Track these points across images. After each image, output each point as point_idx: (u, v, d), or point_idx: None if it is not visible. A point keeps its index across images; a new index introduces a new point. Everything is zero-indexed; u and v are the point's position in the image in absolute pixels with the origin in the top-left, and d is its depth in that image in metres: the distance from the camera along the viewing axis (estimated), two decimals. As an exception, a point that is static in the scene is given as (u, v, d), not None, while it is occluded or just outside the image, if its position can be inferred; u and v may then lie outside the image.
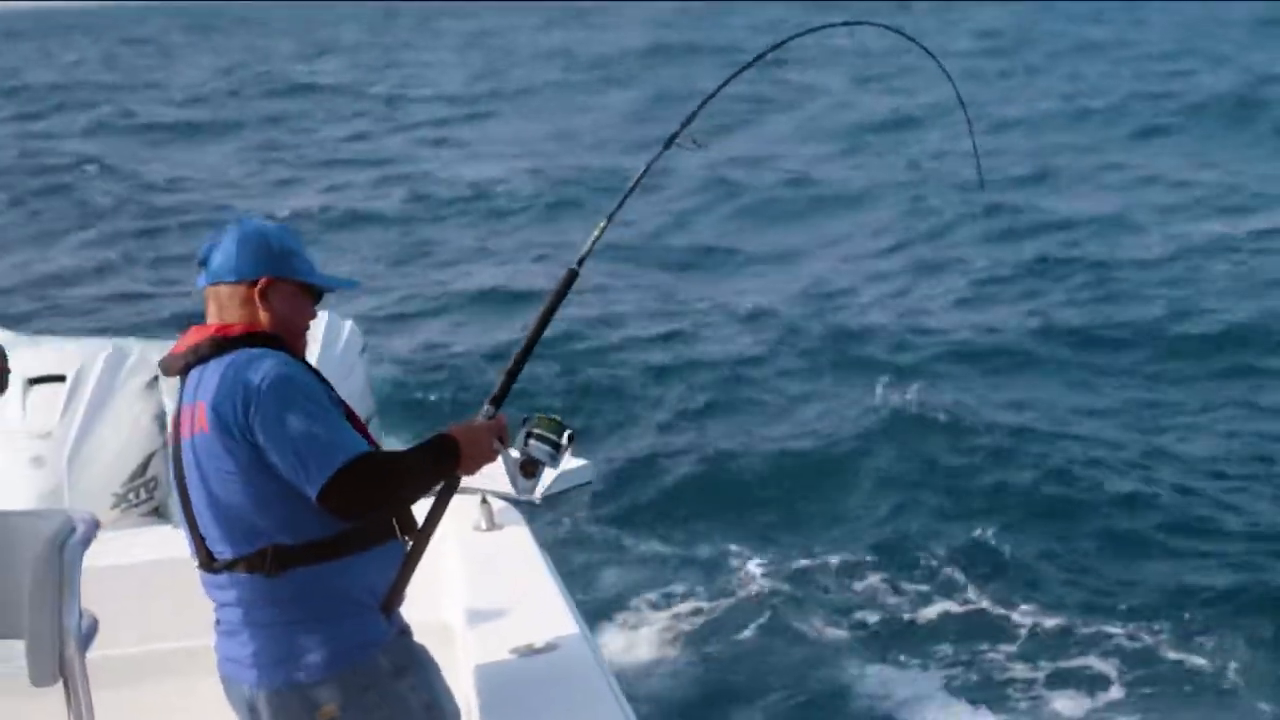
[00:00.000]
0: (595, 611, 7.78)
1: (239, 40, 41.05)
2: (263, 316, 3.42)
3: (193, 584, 3.45)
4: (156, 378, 6.03)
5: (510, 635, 4.08)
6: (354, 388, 5.96)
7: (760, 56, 4.41)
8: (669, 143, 4.03)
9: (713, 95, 4.17)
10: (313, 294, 3.52)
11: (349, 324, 6.28)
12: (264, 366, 3.26)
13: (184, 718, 4.13)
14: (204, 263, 3.46)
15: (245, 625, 3.33)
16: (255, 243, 3.43)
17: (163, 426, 6.03)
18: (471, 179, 22.27)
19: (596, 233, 3.85)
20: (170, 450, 3.45)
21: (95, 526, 3.32)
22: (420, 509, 3.53)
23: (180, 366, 3.42)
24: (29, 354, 5.98)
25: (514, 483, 3.62)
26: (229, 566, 3.32)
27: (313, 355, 5.94)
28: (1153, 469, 9.88)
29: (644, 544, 9.07)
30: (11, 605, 3.18)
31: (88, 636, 3.22)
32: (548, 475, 4.83)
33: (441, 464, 3.43)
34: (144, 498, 5.88)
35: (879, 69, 30.06)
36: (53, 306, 15.15)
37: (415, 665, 3.41)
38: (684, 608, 8.24)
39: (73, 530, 3.23)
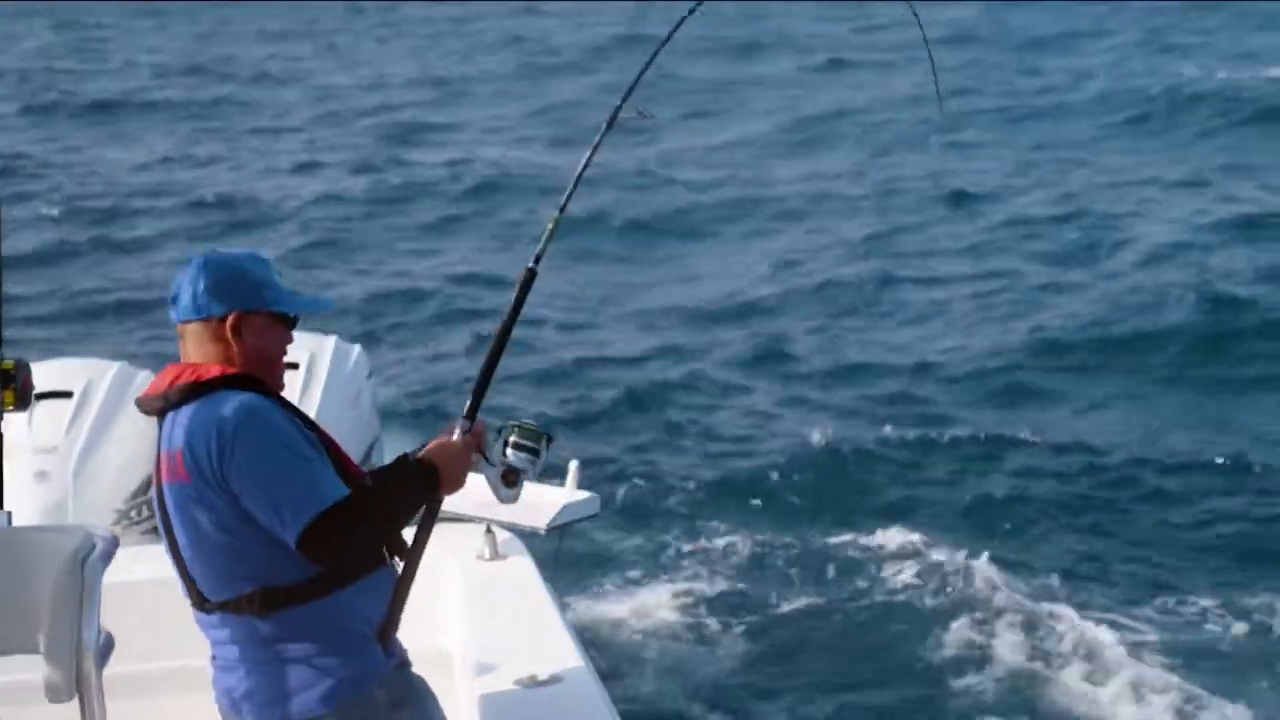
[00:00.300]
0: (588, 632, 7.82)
1: (189, 27, 40.73)
2: (236, 352, 3.40)
3: (189, 606, 3.47)
4: (161, 396, 6.09)
5: (512, 666, 4.11)
6: (361, 412, 6.01)
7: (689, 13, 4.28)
8: (611, 121, 3.94)
9: (650, 62, 4.05)
10: (286, 321, 3.50)
11: (357, 349, 6.33)
12: (236, 414, 3.25)
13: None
14: (174, 300, 3.44)
15: (241, 662, 3.34)
16: (222, 277, 3.40)
17: (166, 445, 6.09)
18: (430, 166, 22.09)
19: (550, 226, 3.79)
20: (154, 491, 3.46)
21: (115, 544, 3.36)
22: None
23: (156, 408, 3.41)
24: (36, 370, 6.01)
25: (496, 492, 3.64)
26: (220, 607, 3.33)
27: (320, 381, 6.04)
28: (1140, 461, 10.06)
29: (636, 562, 9.08)
30: (30, 620, 3.21)
31: (104, 652, 3.25)
32: (552, 499, 4.91)
33: (421, 491, 3.44)
34: (146, 515, 5.90)
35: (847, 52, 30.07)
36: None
37: (413, 698, 3.41)
38: (679, 623, 8.26)
39: (93, 547, 3.27)
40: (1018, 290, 14.48)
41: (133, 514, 5.86)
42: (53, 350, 7.91)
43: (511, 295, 3.77)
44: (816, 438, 10.66)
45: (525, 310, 3.77)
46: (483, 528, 4.98)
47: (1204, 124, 21.24)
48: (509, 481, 3.62)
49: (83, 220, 19.18)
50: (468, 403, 3.64)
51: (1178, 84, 23.54)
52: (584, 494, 5.03)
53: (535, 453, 3.61)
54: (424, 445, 3.55)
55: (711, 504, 9.72)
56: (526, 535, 5.08)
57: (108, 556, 3.29)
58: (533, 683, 4.00)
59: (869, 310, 14.15)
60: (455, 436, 3.54)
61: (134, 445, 5.96)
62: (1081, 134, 21.60)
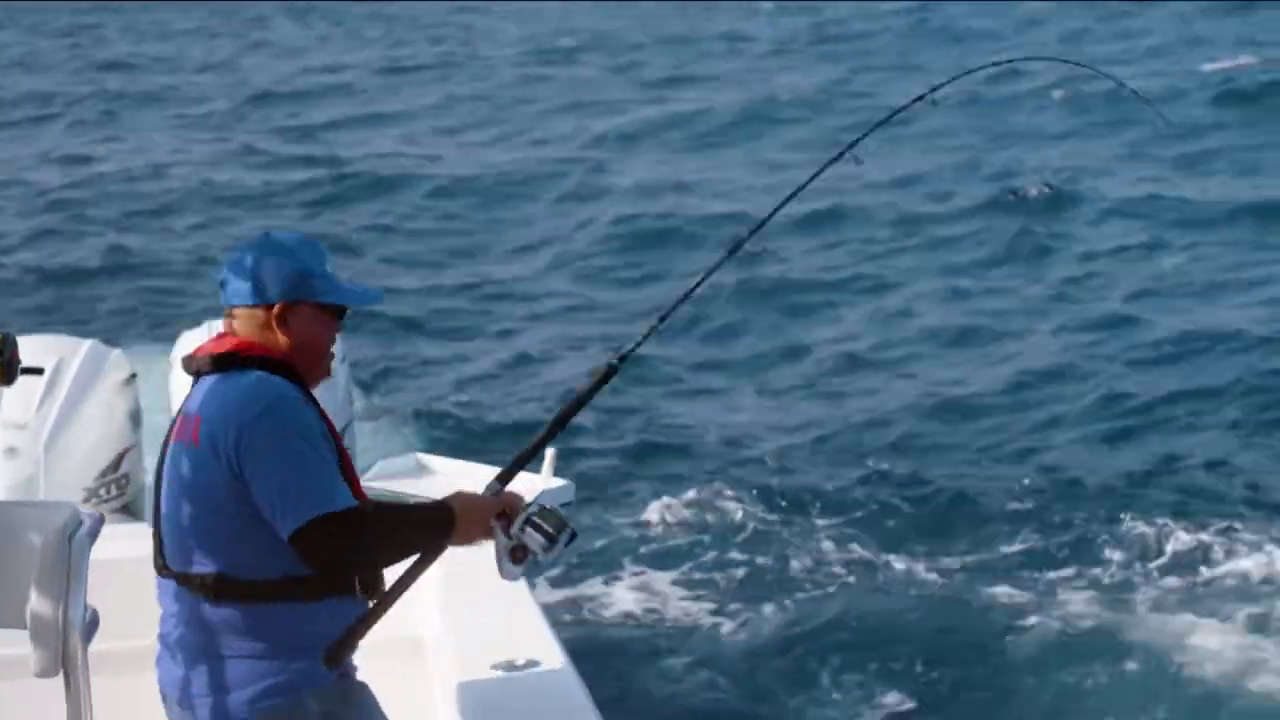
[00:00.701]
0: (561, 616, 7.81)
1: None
2: (280, 340, 3.39)
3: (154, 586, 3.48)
4: (134, 376, 6.08)
5: (487, 652, 4.13)
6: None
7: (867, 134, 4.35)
8: (734, 250, 3.99)
9: (794, 195, 4.15)
10: (334, 312, 3.47)
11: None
12: (264, 397, 3.26)
13: (154, 716, 4.16)
14: (223, 284, 3.44)
15: (180, 646, 3.35)
16: (272, 265, 3.39)
17: (137, 425, 6.08)
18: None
19: (645, 332, 3.77)
20: (161, 447, 3.47)
21: (101, 521, 3.37)
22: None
23: (194, 369, 3.43)
24: (7, 346, 6.02)
25: (500, 564, 3.56)
26: (174, 576, 3.34)
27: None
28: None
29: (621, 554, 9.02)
30: (16, 595, 3.21)
31: (90, 630, 3.27)
32: (527, 485, 4.91)
33: (432, 533, 3.41)
34: (115, 494, 5.92)
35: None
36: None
37: (345, 710, 3.36)
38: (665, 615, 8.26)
39: (80, 523, 3.28)
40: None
41: (102, 492, 5.87)
42: (22, 327, 7.84)
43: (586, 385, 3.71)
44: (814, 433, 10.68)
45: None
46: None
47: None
48: (516, 558, 3.53)
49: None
50: (504, 469, 3.62)
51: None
52: (559, 481, 5.07)
53: (552, 540, 3.50)
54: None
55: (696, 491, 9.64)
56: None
57: (94, 533, 3.31)
58: (508, 668, 4.04)
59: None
60: (485, 495, 3.51)
61: (104, 423, 5.97)
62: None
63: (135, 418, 6.08)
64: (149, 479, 6.10)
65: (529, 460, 3.70)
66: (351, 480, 3.37)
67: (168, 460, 3.39)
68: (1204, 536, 8.60)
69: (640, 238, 15.97)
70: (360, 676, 3.48)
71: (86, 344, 6.10)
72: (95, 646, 4.39)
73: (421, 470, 5.65)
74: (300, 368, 3.41)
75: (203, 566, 3.28)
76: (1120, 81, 5.17)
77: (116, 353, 6.13)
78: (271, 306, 3.38)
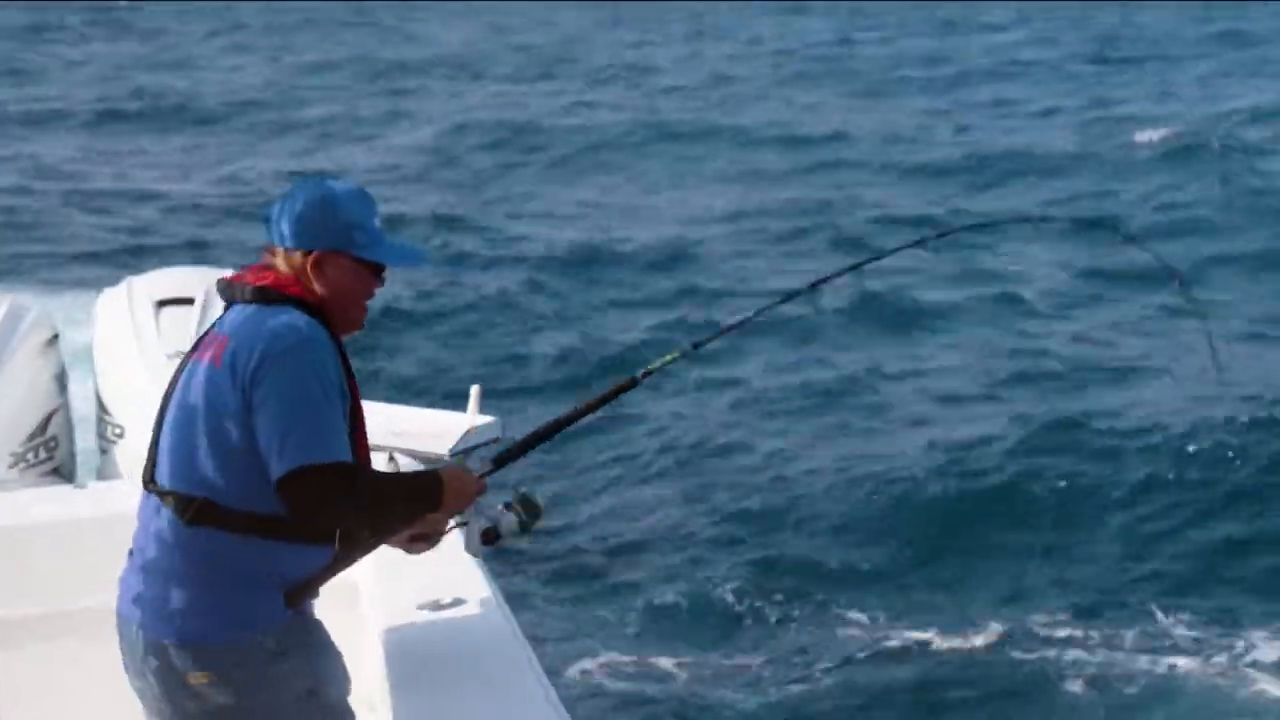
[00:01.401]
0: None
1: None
2: (316, 286, 3.37)
3: (95, 544, 3.43)
4: (56, 336, 5.97)
5: (417, 592, 4.11)
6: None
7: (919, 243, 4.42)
8: (787, 297, 4.00)
9: (844, 271, 4.16)
10: (373, 268, 3.44)
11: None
12: (290, 334, 3.23)
13: (86, 679, 4.13)
14: (266, 220, 3.41)
15: (151, 568, 3.32)
16: (316, 212, 3.36)
17: (63, 385, 5.99)
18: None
19: (675, 355, 3.81)
20: (180, 361, 3.45)
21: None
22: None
23: (228, 296, 3.42)
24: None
25: (468, 540, 3.61)
26: (161, 494, 3.31)
27: None
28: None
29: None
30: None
31: None
32: (454, 424, 4.91)
33: (418, 499, 3.42)
34: (43, 457, 5.83)
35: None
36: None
37: (299, 648, 3.37)
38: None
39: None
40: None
41: (30, 456, 5.78)
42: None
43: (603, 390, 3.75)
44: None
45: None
46: (385, 456, 4.96)
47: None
48: (486, 538, 3.59)
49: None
50: (502, 452, 3.66)
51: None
52: (486, 418, 5.03)
53: (525, 528, 3.57)
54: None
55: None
56: (430, 462, 5.07)
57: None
58: (436, 607, 4.01)
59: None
60: (476, 474, 3.54)
61: (28, 387, 5.88)
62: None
63: (60, 378, 5.99)
64: (85, 442, 6.04)
65: (527, 450, 3.70)
66: (359, 441, 3.36)
67: (183, 376, 3.36)
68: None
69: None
70: None
71: (4, 303, 5.99)
72: (24, 611, 4.37)
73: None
74: (332, 316, 3.39)
75: (189, 487, 3.26)
76: (1145, 247, 5.06)
77: (37, 310, 6.01)
78: (309, 253, 3.36)
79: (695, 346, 3.85)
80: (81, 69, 31.94)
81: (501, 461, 3.64)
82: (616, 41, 36.27)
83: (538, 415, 10.38)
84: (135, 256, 15.01)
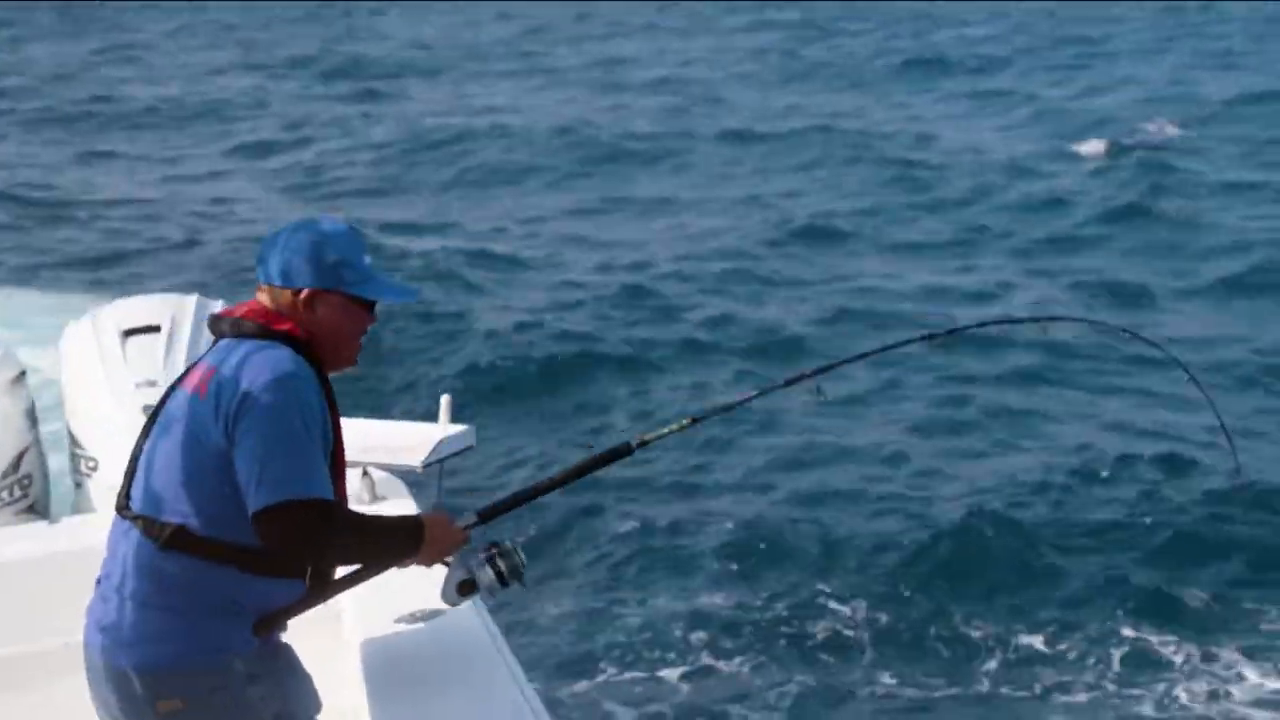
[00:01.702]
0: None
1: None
2: (306, 324, 3.40)
3: (69, 582, 3.40)
4: (24, 373, 5.93)
5: (395, 604, 4.09)
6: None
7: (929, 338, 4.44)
8: (789, 382, 4.00)
9: (848, 361, 4.19)
10: (364, 304, 3.48)
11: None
12: (276, 370, 3.26)
13: (63, 715, 4.10)
14: (259, 260, 3.45)
15: (118, 590, 3.31)
16: (306, 250, 3.40)
17: (33, 422, 5.94)
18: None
19: (675, 428, 3.80)
20: (165, 392, 3.47)
21: None
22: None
23: (219, 330, 3.44)
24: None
25: (445, 590, 3.60)
26: (134, 518, 3.31)
27: None
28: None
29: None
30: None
31: None
32: (425, 436, 4.87)
33: (397, 544, 3.44)
34: (18, 495, 5.78)
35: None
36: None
37: (271, 672, 3.38)
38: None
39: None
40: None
41: (3, 495, 5.73)
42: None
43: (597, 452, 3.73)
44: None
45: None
46: (359, 471, 4.94)
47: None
48: (462, 590, 3.58)
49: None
50: (490, 503, 3.64)
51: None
52: (458, 427, 5.02)
53: (504, 584, 3.54)
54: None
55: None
56: (404, 474, 5.05)
57: None
58: (414, 618, 4.00)
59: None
60: (459, 524, 3.55)
61: (-2, 425, 5.83)
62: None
63: (30, 415, 5.93)
64: (66, 480, 5.99)
65: (514, 507, 3.68)
66: (337, 478, 3.37)
67: (168, 404, 3.39)
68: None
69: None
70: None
71: (-25, 345, 5.95)
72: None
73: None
74: (321, 353, 3.41)
75: (163, 514, 3.27)
76: (1151, 342, 4.95)
77: (2, 350, 5.97)
78: (300, 291, 3.39)
79: (695, 421, 3.83)
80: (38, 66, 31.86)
81: (487, 516, 3.63)
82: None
83: (507, 422, 10.50)
84: (93, 269, 14.86)
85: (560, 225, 17.44)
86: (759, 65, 29.76)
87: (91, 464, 5.62)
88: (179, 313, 5.83)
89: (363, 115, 25.27)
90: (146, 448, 3.37)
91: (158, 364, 5.62)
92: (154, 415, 3.40)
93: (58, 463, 6.08)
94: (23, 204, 19.04)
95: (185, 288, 6.93)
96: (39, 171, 21.27)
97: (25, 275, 15.32)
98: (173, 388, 3.43)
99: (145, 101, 27.11)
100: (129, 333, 5.72)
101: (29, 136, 24.34)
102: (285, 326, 3.37)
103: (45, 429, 6.02)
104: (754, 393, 3.99)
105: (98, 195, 19.75)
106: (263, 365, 3.25)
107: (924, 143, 21.18)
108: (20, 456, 5.82)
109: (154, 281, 13.92)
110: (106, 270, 15.54)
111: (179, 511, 3.25)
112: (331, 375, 3.46)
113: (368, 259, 3.45)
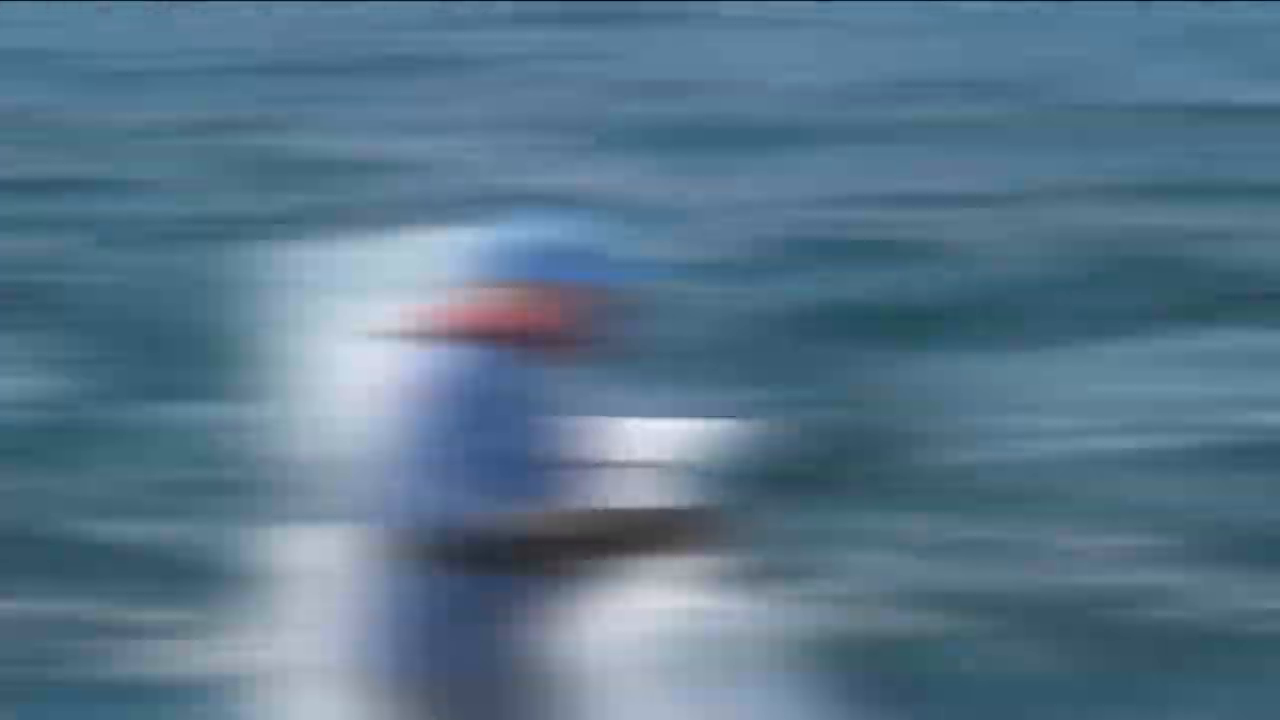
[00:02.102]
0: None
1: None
2: (527, 319, 3.28)
3: None
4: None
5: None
6: None
7: None
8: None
9: None
10: (598, 294, 3.33)
11: None
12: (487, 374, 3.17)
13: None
14: (481, 255, 3.35)
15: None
16: (529, 244, 3.31)
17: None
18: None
19: None
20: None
21: None
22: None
23: (429, 333, 3.32)
24: None
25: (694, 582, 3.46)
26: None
27: None
28: None
29: None
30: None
31: None
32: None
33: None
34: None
35: None
36: None
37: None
38: None
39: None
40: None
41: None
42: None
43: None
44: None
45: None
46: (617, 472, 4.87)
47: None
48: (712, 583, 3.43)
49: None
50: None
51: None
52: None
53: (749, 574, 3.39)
54: None
55: None
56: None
57: None
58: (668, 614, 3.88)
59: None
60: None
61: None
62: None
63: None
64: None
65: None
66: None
67: (375, 412, 3.27)
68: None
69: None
70: None
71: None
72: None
73: None
74: (544, 348, 3.27)
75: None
76: None
77: None
78: (521, 284, 3.28)
79: None
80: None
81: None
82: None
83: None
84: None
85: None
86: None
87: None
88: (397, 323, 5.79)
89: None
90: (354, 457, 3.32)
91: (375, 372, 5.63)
92: (365, 424, 3.32)
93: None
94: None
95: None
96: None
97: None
98: (385, 396, 3.34)
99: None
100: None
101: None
102: (510, 325, 3.28)
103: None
104: None
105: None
106: (447, 368, 3.20)
107: None
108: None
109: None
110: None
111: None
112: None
113: (601, 247, 3.34)
